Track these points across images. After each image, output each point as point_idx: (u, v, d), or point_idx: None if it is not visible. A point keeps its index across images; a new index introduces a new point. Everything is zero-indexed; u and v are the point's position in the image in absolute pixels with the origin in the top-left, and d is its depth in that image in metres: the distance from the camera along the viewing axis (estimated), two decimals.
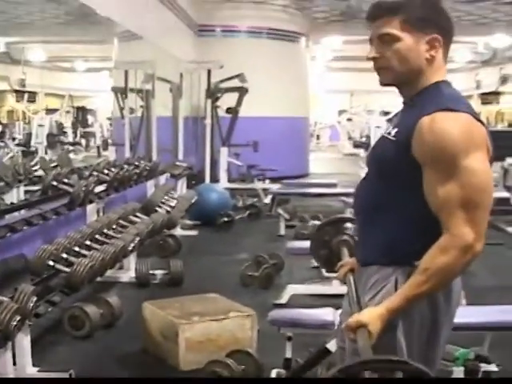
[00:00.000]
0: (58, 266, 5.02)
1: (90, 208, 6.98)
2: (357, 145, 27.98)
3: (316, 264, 7.46)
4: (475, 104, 33.05)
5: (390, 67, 2.38)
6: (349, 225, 2.90)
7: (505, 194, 10.18)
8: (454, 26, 2.40)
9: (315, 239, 2.95)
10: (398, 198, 2.34)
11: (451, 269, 2.20)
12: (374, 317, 2.20)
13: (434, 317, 2.33)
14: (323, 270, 7.10)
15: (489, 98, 32.49)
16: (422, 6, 2.35)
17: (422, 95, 2.36)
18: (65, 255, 5.15)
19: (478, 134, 2.24)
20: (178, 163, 11.23)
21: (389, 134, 2.38)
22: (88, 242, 5.70)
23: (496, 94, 31.74)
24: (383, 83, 2.45)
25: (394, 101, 2.47)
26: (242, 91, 14.07)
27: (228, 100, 14.40)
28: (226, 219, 10.56)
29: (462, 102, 2.31)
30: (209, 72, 14.06)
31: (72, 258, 5.15)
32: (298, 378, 4.23)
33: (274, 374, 4.40)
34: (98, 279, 5.57)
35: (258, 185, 13.66)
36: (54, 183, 6.24)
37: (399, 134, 2.32)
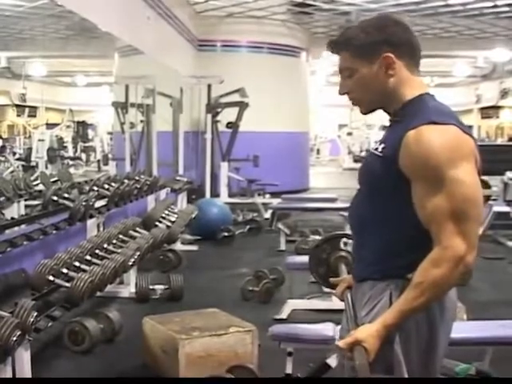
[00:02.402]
0: (58, 281, 5.01)
1: (91, 223, 6.98)
2: (357, 159, 28.02)
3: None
4: (475, 118, 33.17)
5: (360, 99, 2.45)
6: (347, 241, 2.92)
7: (505, 209, 10.17)
8: (407, 35, 2.40)
9: (313, 257, 2.97)
10: (388, 212, 2.35)
11: (445, 281, 2.19)
12: (370, 334, 2.20)
13: (431, 327, 2.32)
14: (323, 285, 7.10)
15: (489, 112, 32.58)
16: (362, 33, 2.36)
17: (406, 109, 2.37)
18: (65, 270, 5.14)
19: (465, 145, 2.24)
20: (178, 178, 11.24)
21: (376, 149, 2.40)
22: (88, 257, 5.69)
23: (496, 108, 31.81)
24: (362, 113, 2.53)
25: None
26: (243, 106, 14.11)
27: (228, 115, 14.43)
28: (226, 234, 10.56)
29: (448, 114, 2.31)
30: (209, 87, 14.10)
31: (72, 273, 5.14)
32: (298, 378, 4.22)
33: None
34: (98, 294, 5.56)
35: (259, 199, 13.67)
36: (55, 198, 6.24)
37: (386, 150, 2.34)
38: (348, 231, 2.92)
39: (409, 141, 2.23)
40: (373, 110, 2.48)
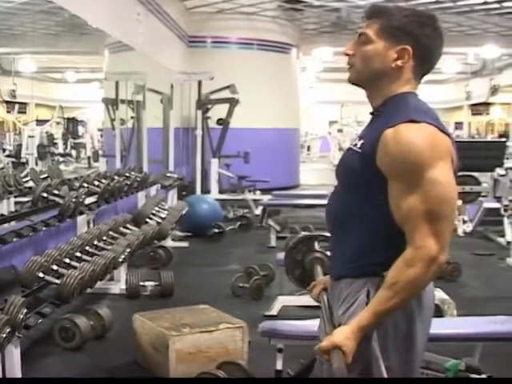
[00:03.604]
0: (48, 278, 5.00)
1: (81, 219, 6.97)
2: None
3: None
4: (465, 115, 33.24)
5: (356, 66, 2.43)
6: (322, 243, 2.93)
7: (495, 205, 10.20)
8: (436, 45, 2.39)
9: (289, 259, 2.96)
10: (365, 209, 2.34)
11: (418, 281, 2.20)
12: (346, 336, 2.21)
13: (408, 323, 2.32)
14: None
15: (479, 108, 32.66)
16: (404, 17, 2.36)
17: (388, 106, 2.37)
18: (55, 267, 5.13)
19: (442, 145, 2.24)
20: (168, 174, 11.22)
21: (355, 145, 2.39)
22: (78, 254, 5.69)
23: (486, 104, 31.89)
24: (348, 80, 2.50)
25: None
26: (233, 102, 14.10)
27: (219, 111, 14.42)
28: (216, 230, 10.56)
29: (428, 113, 2.31)
30: (199, 83, 14.08)
31: (62, 270, 5.13)
32: (297, 378, 4.22)
33: None
34: (89, 291, 5.55)
35: (249, 196, 13.67)
36: (45, 194, 6.21)
37: (364, 146, 2.33)
38: (323, 232, 2.93)
39: (387, 139, 2.23)
40: (358, 83, 2.46)
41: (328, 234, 2.65)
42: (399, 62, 2.35)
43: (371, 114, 2.47)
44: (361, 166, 2.32)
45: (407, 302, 2.25)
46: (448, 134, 2.27)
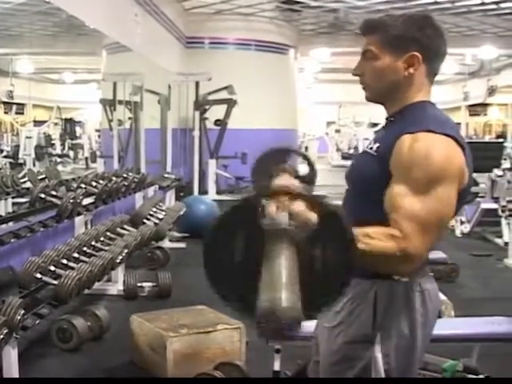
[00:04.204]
0: (46, 279, 5.00)
1: (78, 220, 6.96)
2: (345, 156, 28.03)
3: None
4: (463, 115, 33.24)
5: (369, 84, 2.42)
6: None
7: (493, 205, 10.20)
8: (440, 43, 2.39)
9: (255, 169, 2.69)
10: (377, 212, 2.27)
11: (385, 256, 2.07)
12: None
13: (412, 327, 2.32)
14: None
15: (476, 109, 32.64)
16: (401, 24, 2.35)
17: (405, 113, 2.36)
18: (52, 268, 5.13)
19: (456, 163, 2.21)
20: (166, 175, 11.22)
21: (370, 148, 2.38)
22: (76, 255, 5.68)
23: (484, 105, 31.88)
24: (367, 99, 2.47)
25: (381, 113, 2.45)
26: (231, 103, 14.11)
27: (216, 112, 14.43)
28: None
29: (447, 124, 2.29)
30: (197, 84, 14.09)
31: (60, 271, 5.13)
32: (297, 378, 4.22)
33: None
34: (86, 292, 5.54)
35: None
36: (42, 195, 6.21)
37: (380, 149, 2.32)
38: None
39: (403, 144, 2.20)
40: (376, 101, 2.46)
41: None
42: (411, 70, 2.34)
43: (387, 119, 2.46)
44: (375, 169, 2.29)
45: (360, 257, 2.16)
46: (464, 147, 2.25)
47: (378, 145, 2.35)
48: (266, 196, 1.65)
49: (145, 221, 7.92)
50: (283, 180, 2.14)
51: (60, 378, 4.90)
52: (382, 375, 2.29)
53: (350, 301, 2.36)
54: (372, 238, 2.04)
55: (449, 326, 4.77)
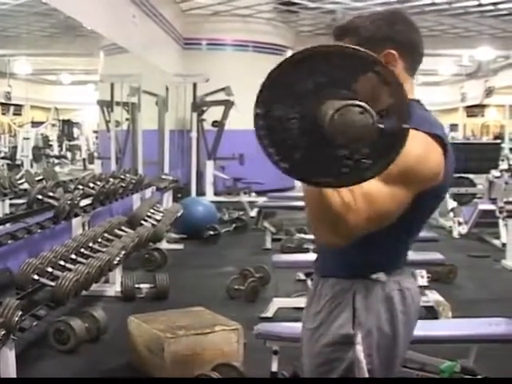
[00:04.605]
0: (43, 280, 4.99)
1: (76, 221, 6.96)
2: None
3: (302, 277, 7.49)
4: (460, 116, 33.28)
5: None
6: None
7: (490, 207, 10.21)
8: (413, 36, 2.38)
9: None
10: None
11: (330, 207, 2.03)
12: None
13: (392, 324, 2.30)
14: (309, 283, 7.11)
15: (474, 110, 32.69)
16: (371, 24, 2.35)
17: None
18: (50, 269, 5.12)
19: (431, 165, 2.19)
20: (163, 176, 11.22)
21: None
22: (73, 256, 5.68)
23: (481, 106, 31.93)
24: None
25: None
26: (228, 104, 14.10)
27: (214, 113, 14.42)
28: (211, 232, 10.55)
29: (432, 123, 2.28)
30: (194, 85, 14.08)
31: (57, 272, 5.13)
32: (297, 378, 4.22)
33: None
34: (84, 293, 5.54)
35: (244, 198, 13.66)
36: (40, 197, 6.21)
37: None
38: None
39: None
40: None
41: None
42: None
43: None
44: None
45: (312, 202, 2.14)
46: (446, 147, 2.23)
47: None
48: None
49: (142, 222, 7.92)
50: None
51: (58, 378, 4.90)
52: (366, 374, 2.28)
53: (330, 301, 2.35)
54: (338, 192, 2.02)
55: (446, 327, 4.78)
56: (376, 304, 2.30)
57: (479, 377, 4.24)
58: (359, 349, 2.27)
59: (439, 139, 2.21)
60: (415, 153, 2.13)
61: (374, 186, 2.07)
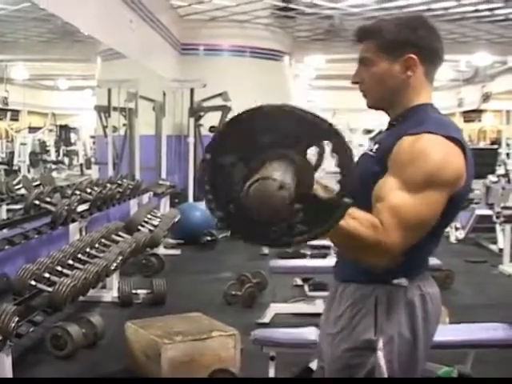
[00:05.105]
0: (40, 286, 4.99)
1: (73, 227, 6.96)
2: None
3: (299, 283, 7.49)
4: (457, 122, 33.27)
5: (369, 91, 2.42)
6: None
7: (487, 212, 10.22)
8: (435, 42, 2.39)
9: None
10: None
11: (360, 240, 2.04)
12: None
13: (413, 331, 2.31)
14: (306, 289, 7.11)
15: (471, 115, 32.70)
16: (395, 28, 2.35)
17: (407, 116, 2.35)
18: (47, 275, 5.12)
19: (454, 167, 2.19)
20: (161, 182, 11.22)
21: (370, 150, 2.38)
22: (70, 262, 5.67)
23: (478, 111, 31.95)
24: (368, 106, 2.47)
25: (376, 119, 2.46)
26: (225, 110, 14.09)
27: (211, 119, 14.42)
28: (209, 238, 10.55)
29: (450, 127, 2.29)
30: (192, 90, 14.08)
31: (54, 278, 5.12)
32: (298, 378, 4.23)
33: None
34: (81, 299, 5.53)
35: None
36: (37, 202, 6.21)
37: (379, 150, 2.32)
38: None
39: (403, 143, 2.19)
40: (377, 107, 2.46)
41: None
42: (409, 73, 2.34)
43: (389, 123, 2.45)
44: (374, 169, 2.27)
45: (340, 243, 2.16)
46: (466, 150, 2.23)
47: (377, 146, 2.36)
48: None
49: (139, 227, 7.92)
50: None
51: (56, 378, 4.90)
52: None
53: (351, 307, 2.36)
54: (354, 220, 2.02)
55: (444, 332, 4.77)
56: (397, 310, 2.30)
57: None
58: (380, 355, 2.27)
59: (457, 142, 2.21)
60: (436, 157, 2.15)
61: (400, 199, 2.11)
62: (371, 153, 2.36)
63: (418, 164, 2.14)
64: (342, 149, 1.77)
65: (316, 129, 1.76)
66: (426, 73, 2.39)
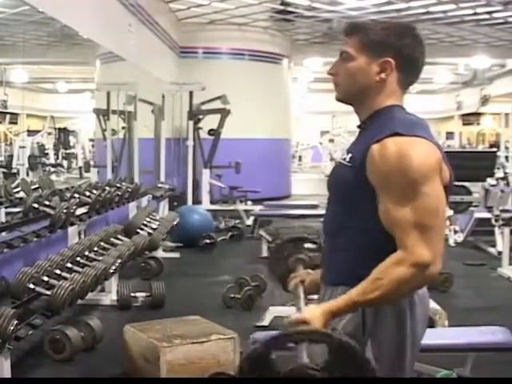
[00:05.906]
0: (39, 289, 4.99)
1: (72, 230, 6.95)
2: None
3: None
4: (456, 125, 33.33)
5: (340, 84, 2.46)
6: (308, 245, 2.95)
7: (486, 215, 10.21)
8: (418, 54, 2.41)
9: (274, 255, 3.01)
10: (356, 221, 2.35)
11: (403, 282, 2.16)
12: (316, 315, 2.20)
13: (401, 333, 2.33)
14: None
15: (470, 118, 32.78)
16: (381, 30, 2.38)
17: (374, 119, 2.39)
18: (46, 278, 5.12)
19: (432, 159, 2.23)
20: (159, 185, 11.23)
21: (344, 159, 2.41)
22: (69, 265, 5.67)
23: (477, 114, 32.01)
24: (336, 99, 2.52)
25: None
26: (224, 113, 14.11)
27: (210, 121, 14.43)
28: (208, 241, 10.55)
29: (414, 125, 2.31)
30: (191, 93, 14.10)
31: (53, 281, 5.12)
32: (298, 378, 4.21)
33: None
34: (80, 302, 5.54)
35: (240, 206, 13.67)
36: (35, 205, 6.20)
37: (353, 160, 2.35)
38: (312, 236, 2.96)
39: (373, 154, 2.24)
40: (344, 101, 2.49)
41: (316, 239, 2.68)
42: (383, 75, 2.37)
43: (358, 127, 2.49)
44: (350, 179, 2.33)
45: (386, 300, 2.24)
46: (437, 145, 2.28)
47: (350, 155, 2.39)
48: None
49: (138, 231, 7.92)
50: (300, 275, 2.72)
51: (55, 378, 4.89)
52: None
53: None
54: (382, 279, 2.13)
55: (443, 335, 4.77)
56: (385, 310, 2.32)
57: None
58: (368, 355, 2.28)
59: (425, 139, 2.26)
60: (412, 154, 2.20)
61: (402, 213, 2.20)
62: (345, 162, 2.39)
63: (397, 173, 2.19)
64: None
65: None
66: (399, 80, 2.41)
